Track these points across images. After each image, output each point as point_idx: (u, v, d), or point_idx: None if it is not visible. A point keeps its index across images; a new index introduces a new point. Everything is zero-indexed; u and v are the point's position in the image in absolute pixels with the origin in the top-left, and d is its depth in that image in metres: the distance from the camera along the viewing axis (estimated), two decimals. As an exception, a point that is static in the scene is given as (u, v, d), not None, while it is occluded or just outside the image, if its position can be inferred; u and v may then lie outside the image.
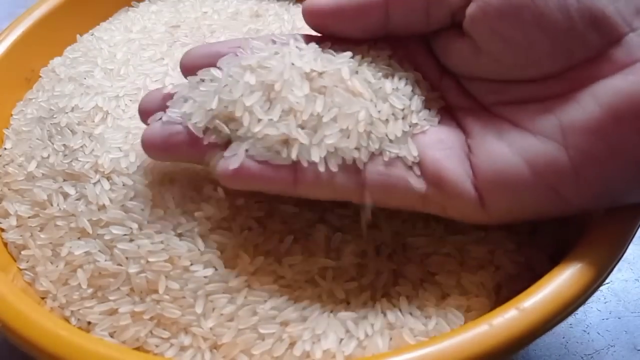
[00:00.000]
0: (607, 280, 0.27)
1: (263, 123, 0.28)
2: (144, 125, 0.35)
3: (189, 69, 0.31)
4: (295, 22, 0.43)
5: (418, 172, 0.28)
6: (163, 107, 0.30)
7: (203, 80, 0.30)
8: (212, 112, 0.29)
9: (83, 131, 0.35)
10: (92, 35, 0.44)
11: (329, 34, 0.31)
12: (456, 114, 0.30)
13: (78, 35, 0.44)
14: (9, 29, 0.41)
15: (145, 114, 0.31)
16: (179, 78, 0.38)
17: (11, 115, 0.40)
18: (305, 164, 0.27)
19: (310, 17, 0.30)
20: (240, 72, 0.29)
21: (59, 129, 0.35)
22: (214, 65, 0.30)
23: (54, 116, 0.36)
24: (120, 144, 0.34)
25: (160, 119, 0.30)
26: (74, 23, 0.44)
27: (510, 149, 0.27)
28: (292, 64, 0.29)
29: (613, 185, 0.26)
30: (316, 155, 0.27)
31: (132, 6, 0.47)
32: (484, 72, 0.28)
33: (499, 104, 0.28)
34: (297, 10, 0.46)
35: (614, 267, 0.27)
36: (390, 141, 0.28)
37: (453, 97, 0.30)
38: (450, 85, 0.30)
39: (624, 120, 0.25)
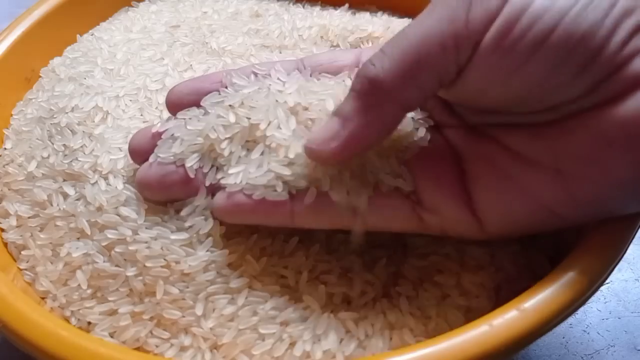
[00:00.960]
0: (607, 280, 0.27)
1: (250, 162, 0.29)
2: (144, 126, 0.35)
3: (175, 105, 0.32)
4: (296, 22, 0.43)
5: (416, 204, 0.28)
6: (153, 146, 0.31)
7: (190, 118, 0.31)
8: (201, 151, 0.30)
9: (83, 131, 0.35)
10: (92, 35, 0.44)
11: None
12: (444, 132, 0.30)
13: (78, 35, 0.44)
14: (9, 29, 0.41)
15: (135, 153, 0.31)
16: (178, 78, 0.38)
17: (11, 115, 0.40)
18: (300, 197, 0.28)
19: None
20: (224, 112, 0.30)
21: (59, 129, 0.35)
22: (198, 101, 0.31)
23: (54, 116, 0.36)
24: (120, 144, 0.34)
25: (155, 159, 0.30)
26: (74, 23, 0.44)
27: (503, 175, 0.27)
28: (277, 100, 0.30)
29: (608, 203, 0.26)
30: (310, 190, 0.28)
31: (132, 6, 0.47)
32: (471, 102, 0.28)
33: (487, 125, 0.28)
34: (297, 10, 0.46)
35: (614, 267, 0.27)
36: (386, 172, 0.28)
37: (439, 115, 0.30)
38: (435, 103, 0.30)
39: (615, 145, 0.24)
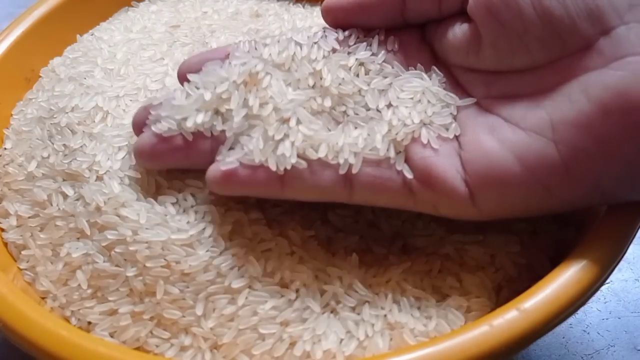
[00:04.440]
0: (607, 280, 0.27)
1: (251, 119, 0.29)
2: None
3: (184, 76, 0.32)
4: (296, 22, 0.43)
5: (409, 174, 0.28)
6: (156, 107, 0.31)
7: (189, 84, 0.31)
8: (199, 112, 0.30)
9: (83, 131, 0.35)
10: (92, 35, 0.44)
11: (349, 27, 0.32)
12: None
13: (78, 35, 0.44)
14: (9, 29, 0.41)
15: (137, 126, 0.32)
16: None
17: (11, 115, 0.40)
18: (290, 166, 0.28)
19: (330, 13, 0.31)
20: (225, 70, 0.30)
21: (59, 128, 0.35)
22: None
23: (54, 116, 0.36)
24: (121, 144, 0.34)
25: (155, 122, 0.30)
26: (74, 23, 0.44)
27: (500, 145, 0.27)
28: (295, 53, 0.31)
29: (603, 181, 0.26)
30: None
31: (132, 6, 0.47)
32: (478, 60, 0.29)
33: (490, 97, 0.29)
34: (297, 10, 0.46)
35: (614, 267, 0.27)
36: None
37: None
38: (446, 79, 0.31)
39: (612, 116, 0.25)
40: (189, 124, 0.30)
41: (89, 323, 0.30)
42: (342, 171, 0.28)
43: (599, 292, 0.39)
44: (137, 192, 0.32)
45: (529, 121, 0.27)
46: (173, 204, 0.31)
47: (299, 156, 0.28)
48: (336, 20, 0.32)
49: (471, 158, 0.27)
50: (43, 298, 0.31)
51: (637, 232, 0.28)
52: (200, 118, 0.30)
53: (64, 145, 0.34)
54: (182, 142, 0.30)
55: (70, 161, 0.33)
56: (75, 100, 0.36)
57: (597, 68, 0.25)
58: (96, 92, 0.37)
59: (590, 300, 0.39)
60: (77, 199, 0.32)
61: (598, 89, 0.25)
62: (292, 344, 0.28)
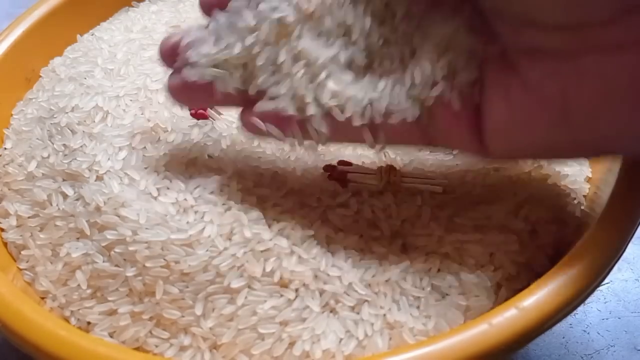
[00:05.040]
0: (607, 280, 0.27)
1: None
2: (145, 125, 0.35)
3: (209, 8, 0.31)
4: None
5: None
6: (186, 49, 0.31)
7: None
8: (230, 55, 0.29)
9: (83, 131, 0.35)
10: (92, 35, 0.44)
11: None
12: None
13: (78, 35, 0.44)
14: (9, 29, 0.41)
15: (166, 57, 0.31)
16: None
17: (11, 115, 0.40)
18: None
19: None
20: (252, 20, 0.29)
21: (59, 128, 0.35)
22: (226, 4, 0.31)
23: (54, 116, 0.36)
24: (121, 144, 0.34)
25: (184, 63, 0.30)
26: (74, 23, 0.44)
27: (514, 105, 0.27)
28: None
29: (608, 148, 0.27)
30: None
31: (133, 6, 0.47)
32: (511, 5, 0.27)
33: (514, 50, 0.27)
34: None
35: (613, 266, 0.27)
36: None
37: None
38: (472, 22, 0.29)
39: (624, 99, 0.25)
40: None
41: (89, 323, 0.30)
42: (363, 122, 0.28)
43: (599, 292, 0.40)
44: (137, 192, 0.32)
45: (545, 87, 0.26)
46: (173, 204, 0.31)
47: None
48: None
49: (487, 120, 0.28)
50: (43, 298, 0.31)
51: (636, 231, 0.28)
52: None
53: (64, 145, 0.34)
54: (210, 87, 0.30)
55: (70, 161, 0.33)
56: (75, 100, 0.36)
57: (618, 45, 0.25)
58: (96, 92, 0.37)
59: (590, 300, 0.39)
60: (77, 199, 0.32)
61: (613, 67, 0.25)
62: (292, 344, 0.28)
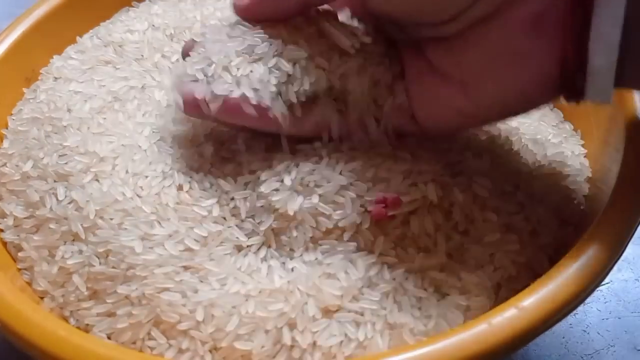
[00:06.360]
0: (607, 280, 0.27)
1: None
2: (142, 127, 0.35)
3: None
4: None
5: None
6: None
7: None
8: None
9: (80, 131, 0.35)
10: (92, 35, 0.44)
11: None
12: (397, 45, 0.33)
13: (78, 36, 0.44)
14: (9, 29, 0.41)
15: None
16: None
17: (10, 115, 0.40)
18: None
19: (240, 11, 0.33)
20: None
21: (55, 129, 0.35)
22: None
23: (52, 116, 0.36)
24: (119, 145, 0.34)
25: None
26: (74, 23, 0.44)
27: (427, 86, 0.31)
28: None
29: (506, 107, 0.30)
30: None
31: (133, 6, 0.47)
32: (383, 12, 0.31)
33: (421, 38, 0.31)
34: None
35: (613, 266, 0.27)
36: None
37: (391, 30, 0.33)
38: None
39: (501, 58, 0.28)
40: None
41: (87, 324, 0.30)
42: None
43: (599, 292, 0.40)
44: (134, 195, 0.31)
45: (445, 64, 0.30)
46: (175, 205, 0.31)
47: None
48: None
49: (411, 101, 0.32)
50: (42, 298, 0.31)
51: (635, 231, 0.28)
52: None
53: (61, 145, 0.34)
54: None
55: (66, 162, 0.33)
56: (72, 101, 0.36)
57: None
58: (94, 93, 0.37)
59: (590, 300, 0.39)
60: (70, 202, 0.32)
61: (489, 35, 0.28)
62: (292, 346, 0.28)
